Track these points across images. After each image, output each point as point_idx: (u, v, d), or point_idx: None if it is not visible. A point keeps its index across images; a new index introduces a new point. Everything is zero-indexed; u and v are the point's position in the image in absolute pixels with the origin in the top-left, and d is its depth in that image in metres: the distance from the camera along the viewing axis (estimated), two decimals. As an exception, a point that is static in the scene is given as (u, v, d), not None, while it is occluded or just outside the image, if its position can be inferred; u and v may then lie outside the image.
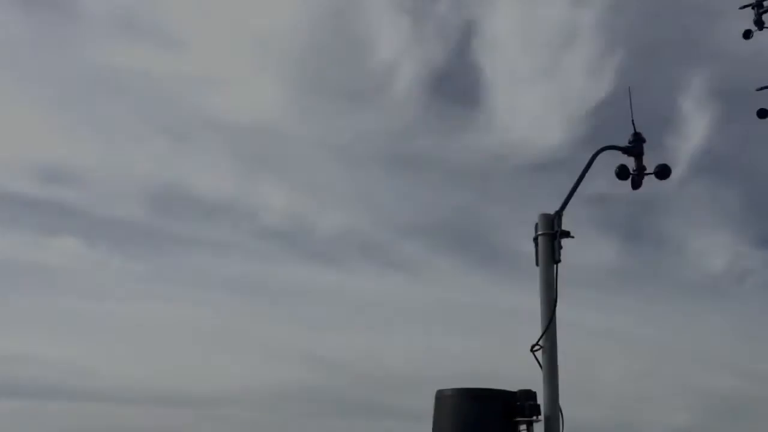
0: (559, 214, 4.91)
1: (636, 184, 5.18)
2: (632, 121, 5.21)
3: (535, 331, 4.68)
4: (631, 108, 5.23)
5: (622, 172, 5.11)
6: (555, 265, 4.82)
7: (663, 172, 5.14)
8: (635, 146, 5.16)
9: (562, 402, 4.54)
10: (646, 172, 5.16)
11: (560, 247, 4.85)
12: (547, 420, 4.37)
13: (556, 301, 4.70)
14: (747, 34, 8.23)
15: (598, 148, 5.12)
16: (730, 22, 8.36)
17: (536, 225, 4.96)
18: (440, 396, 4.44)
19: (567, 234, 4.86)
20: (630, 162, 5.15)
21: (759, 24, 8.12)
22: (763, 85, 7.98)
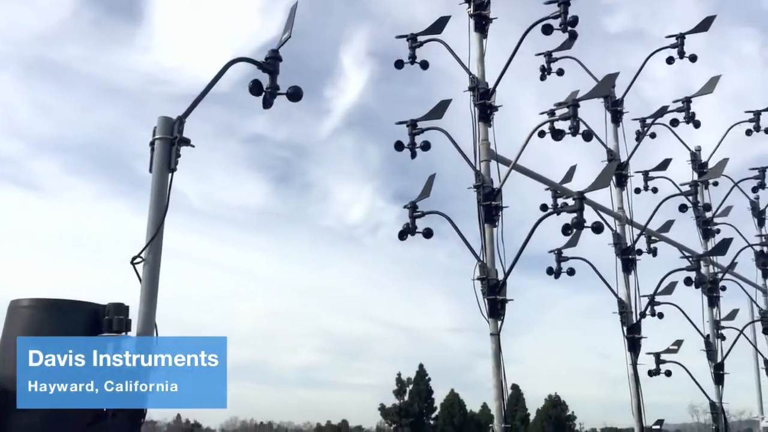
0: (181, 120, 4.64)
1: (267, 104, 5.07)
2: (282, 38, 5.10)
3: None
4: (291, 24, 5.11)
5: (254, 88, 4.97)
6: (170, 174, 4.56)
7: (295, 94, 5.09)
8: (270, 63, 5.04)
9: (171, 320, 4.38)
10: (278, 91, 5.08)
11: (178, 155, 4.60)
12: (140, 336, 4.14)
13: (166, 211, 4.45)
14: None
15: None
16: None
17: (154, 129, 4.64)
18: (14, 307, 3.94)
19: (187, 142, 4.63)
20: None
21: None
22: (402, 34, 8.58)
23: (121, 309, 4.04)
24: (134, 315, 4.16)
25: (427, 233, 7.71)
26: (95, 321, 3.96)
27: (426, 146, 7.89)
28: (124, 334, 4.01)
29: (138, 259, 4.31)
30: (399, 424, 73.16)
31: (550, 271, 8.84)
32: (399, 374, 76.04)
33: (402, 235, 7.84)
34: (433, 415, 76.21)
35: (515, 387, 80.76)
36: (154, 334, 4.20)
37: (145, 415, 3.98)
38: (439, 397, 77.28)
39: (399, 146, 7.89)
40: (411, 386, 75.38)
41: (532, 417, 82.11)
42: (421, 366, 76.90)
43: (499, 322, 6.93)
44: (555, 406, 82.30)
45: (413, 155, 8.00)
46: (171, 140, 4.57)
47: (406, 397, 74.85)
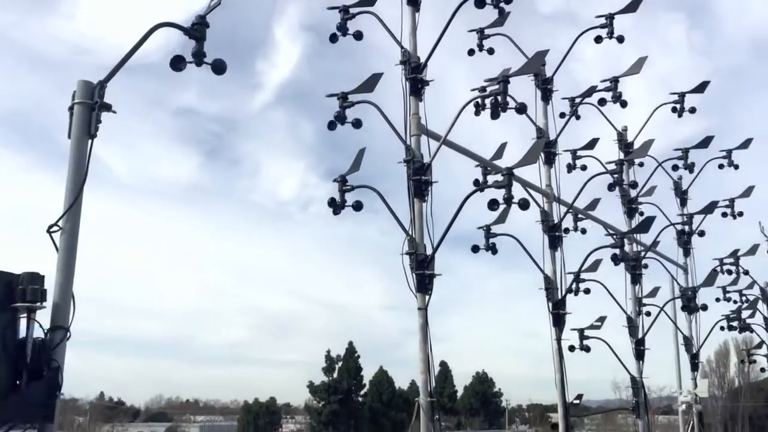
0: (102, 84, 4.53)
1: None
2: (211, 4, 4.98)
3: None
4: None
5: (176, 61, 4.83)
6: (90, 140, 4.46)
7: (219, 67, 4.97)
8: (197, 29, 4.93)
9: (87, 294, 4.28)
10: (205, 60, 4.97)
11: (99, 121, 4.50)
12: (56, 307, 4.06)
13: (85, 178, 4.35)
14: None
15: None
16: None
17: (74, 93, 4.51)
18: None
19: (108, 107, 4.53)
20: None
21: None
22: (334, 5, 8.51)
23: (36, 278, 3.94)
24: (51, 285, 4.07)
25: (357, 206, 7.66)
26: (9, 290, 3.85)
27: (357, 123, 7.87)
28: (39, 304, 3.92)
29: (55, 228, 4.21)
30: (327, 402, 73.53)
31: (475, 248, 8.93)
32: (328, 351, 76.35)
33: (332, 205, 7.64)
34: (362, 392, 76.89)
35: (443, 364, 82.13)
36: (71, 305, 4.12)
37: (60, 388, 3.91)
38: (368, 374, 78.01)
39: (332, 125, 7.85)
40: (340, 363, 75.77)
41: (459, 393, 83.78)
42: (350, 343, 77.36)
43: (427, 297, 7.03)
44: (482, 382, 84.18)
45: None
46: (91, 105, 4.47)
47: (335, 375, 75.24)
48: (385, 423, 70.18)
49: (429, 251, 7.17)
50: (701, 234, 13.18)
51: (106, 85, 4.56)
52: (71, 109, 4.49)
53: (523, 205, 7.04)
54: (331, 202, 7.63)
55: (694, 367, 12.80)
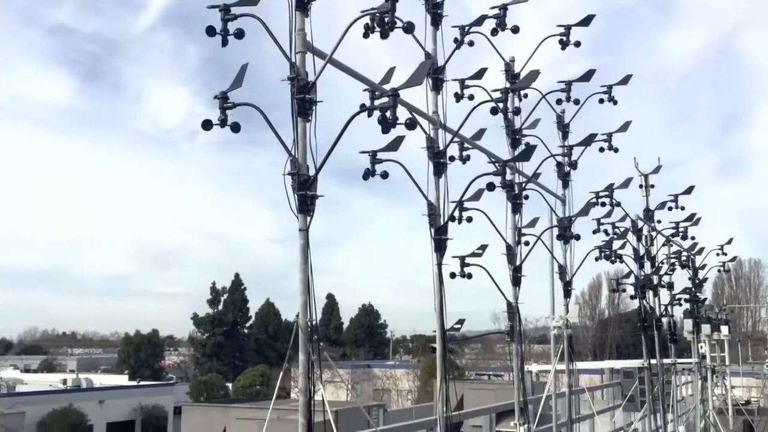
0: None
1: None
2: None
3: None
4: None
5: None
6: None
7: None
8: None
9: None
10: None
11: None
12: None
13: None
14: None
15: None
16: None
17: None
18: None
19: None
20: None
21: None
22: None
23: None
24: None
25: (235, 127, 7.25)
26: None
27: (239, 34, 7.48)
28: None
29: None
30: (212, 333, 73.31)
31: (366, 174, 8.70)
32: (214, 283, 75.79)
33: (206, 127, 7.12)
34: (248, 324, 77.06)
35: (330, 296, 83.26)
36: None
37: None
38: (254, 306, 78.12)
39: (211, 31, 7.40)
40: (226, 296, 75.42)
41: (345, 326, 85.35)
42: (237, 275, 77.00)
43: (309, 218, 6.95)
44: (368, 314, 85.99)
45: (224, 43, 7.54)
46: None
47: (221, 307, 74.91)
48: (270, 354, 70.73)
49: (312, 172, 7.06)
50: (575, 166, 13.62)
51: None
52: None
53: (410, 125, 7.03)
54: (206, 124, 7.02)
55: (567, 294, 13.37)
